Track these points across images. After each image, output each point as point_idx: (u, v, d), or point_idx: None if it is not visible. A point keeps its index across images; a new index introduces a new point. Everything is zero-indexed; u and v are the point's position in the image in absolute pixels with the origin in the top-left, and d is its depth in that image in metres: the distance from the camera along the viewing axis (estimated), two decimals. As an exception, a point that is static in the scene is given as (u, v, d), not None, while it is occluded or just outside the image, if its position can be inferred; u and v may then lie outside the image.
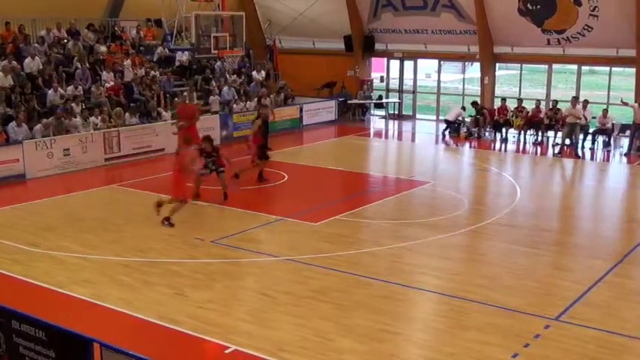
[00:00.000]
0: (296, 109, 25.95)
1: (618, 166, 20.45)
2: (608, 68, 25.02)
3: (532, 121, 22.90)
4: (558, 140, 22.45)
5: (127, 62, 22.07)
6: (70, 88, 19.91)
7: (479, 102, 24.72)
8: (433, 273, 10.85)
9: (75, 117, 18.75)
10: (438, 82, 28.97)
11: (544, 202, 15.98)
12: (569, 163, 20.59)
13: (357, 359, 7.93)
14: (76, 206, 14.86)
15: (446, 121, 24.57)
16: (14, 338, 6.64)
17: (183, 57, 24.76)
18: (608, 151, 21.59)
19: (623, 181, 18.51)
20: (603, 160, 20.85)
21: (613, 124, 22.24)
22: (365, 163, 20.83)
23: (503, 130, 23.52)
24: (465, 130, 23.92)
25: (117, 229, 13.01)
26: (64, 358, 6.32)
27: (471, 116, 24.27)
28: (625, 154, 21.09)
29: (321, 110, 27.05)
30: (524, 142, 22.83)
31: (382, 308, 9.35)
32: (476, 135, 23.73)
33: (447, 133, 24.15)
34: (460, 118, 24.17)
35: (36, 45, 20.85)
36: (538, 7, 23.66)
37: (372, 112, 29.53)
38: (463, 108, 24.63)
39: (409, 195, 16.06)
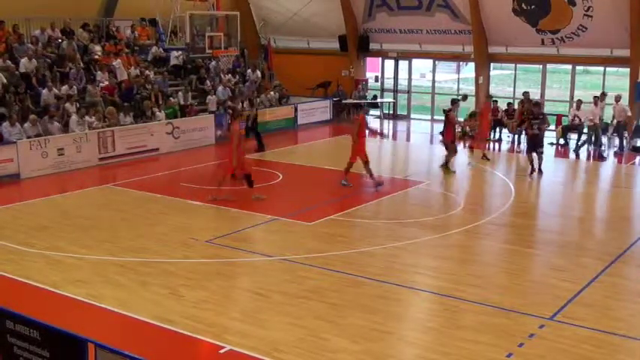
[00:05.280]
0: (291, 109, 25.97)
1: (610, 166, 20.49)
2: (602, 68, 25.10)
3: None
4: (553, 140, 22.54)
5: (117, 62, 22.03)
6: (65, 87, 19.87)
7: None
8: (428, 272, 10.87)
9: (69, 116, 18.74)
10: (433, 81, 29.03)
11: (538, 202, 16.05)
12: (563, 163, 20.66)
13: (352, 359, 7.94)
14: (70, 206, 14.83)
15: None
16: (8, 338, 6.62)
17: (178, 56, 24.72)
18: (595, 151, 21.45)
19: (616, 181, 18.55)
20: (590, 160, 20.85)
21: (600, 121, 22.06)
22: (359, 162, 20.78)
23: (497, 129, 23.54)
24: (459, 129, 23.87)
25: (111, 229, 12.99)
26: (58, 358, 6.30)
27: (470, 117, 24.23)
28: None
29: (316, 110, 27.08)
30: (519, 142, 22.85)
31: (377, 308, 9.36)
32: (471, 134, 23.71)
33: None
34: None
35: (29, 45, 20.80)
36: (532, 7, 23.72)
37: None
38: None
39: (404, 194, 16.08)
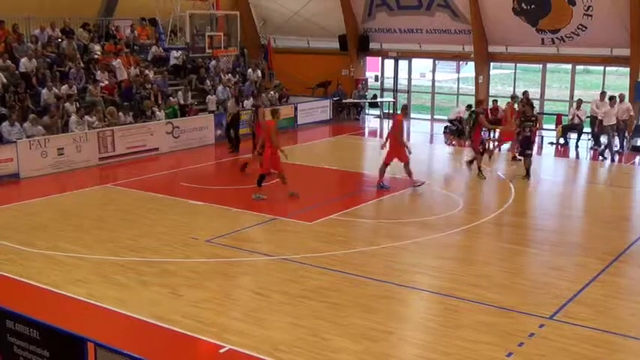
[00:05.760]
0: (291, 109, 25.98)
1: (606, 165, 20.49)
2: (602, 68, 25.09)
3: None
4: (553, 140, 22.54)
5: (117, 61, 22.04)
6: (65, 87, 19.86)
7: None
8: (428, 272, 10.87)
9: (69, 116, 18.74)
10: (433, 81, 29.03)
11: (538, 202, 16.05)
12: (563, 162, 20.65)
13: (352, 359, 7.94)
14: (70, 206, 14.83)
15: (448, 121, 24.60)
16: (8, 337, 6.62)
17: (178, 56, 24.71)
18: (594, 150, 21.40)
19: (616, 181, 18.53)
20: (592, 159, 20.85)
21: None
22: (359, 162, 20.84)
23: (498, 130, 23.48)
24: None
25: (111, 228, 12.99)
26: (58, 357, 6.30)
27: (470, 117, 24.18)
28: None
29: (316, 110, 27.09)
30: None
31: (377, 307, 9.36)
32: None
33: (447, 132, 24.11)
34: (461, 115, 23.91)
35: (29, 44, 20.79)
36: (532, 6, 23.72)
37: (366, 111, 29.58)
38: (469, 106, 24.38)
39: (404, 194, 16.08)
